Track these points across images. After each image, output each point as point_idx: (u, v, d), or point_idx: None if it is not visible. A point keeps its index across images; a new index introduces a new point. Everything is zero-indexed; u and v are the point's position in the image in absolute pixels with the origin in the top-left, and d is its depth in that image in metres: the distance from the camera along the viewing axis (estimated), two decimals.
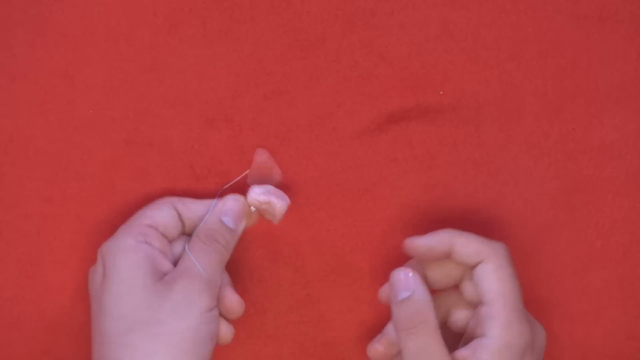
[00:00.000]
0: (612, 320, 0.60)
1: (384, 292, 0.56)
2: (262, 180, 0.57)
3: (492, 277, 0.51)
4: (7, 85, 0.58)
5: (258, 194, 0.56)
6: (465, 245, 0.52)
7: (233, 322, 0.57)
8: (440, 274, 0.54)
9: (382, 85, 0.59)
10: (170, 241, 0.55)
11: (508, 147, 0.59)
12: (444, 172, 0.59)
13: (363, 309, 0.60)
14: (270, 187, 0.57)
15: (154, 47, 0.59)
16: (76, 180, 0.59)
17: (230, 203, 0.56)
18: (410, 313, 0.51)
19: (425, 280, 0.54)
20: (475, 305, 0.53)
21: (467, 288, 0.54)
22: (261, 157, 0.57)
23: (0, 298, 0.59)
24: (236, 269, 0.59)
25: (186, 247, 0.57)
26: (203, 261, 0.53)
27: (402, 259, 0.59)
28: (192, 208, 0.56)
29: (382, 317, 0.59)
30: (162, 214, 0.55)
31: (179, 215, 0.55)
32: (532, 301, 0.59)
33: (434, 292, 0.54)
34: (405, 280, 0.52)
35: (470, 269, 0.52)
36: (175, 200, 0.56)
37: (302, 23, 0.59)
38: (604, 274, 0.60)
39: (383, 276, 0.59)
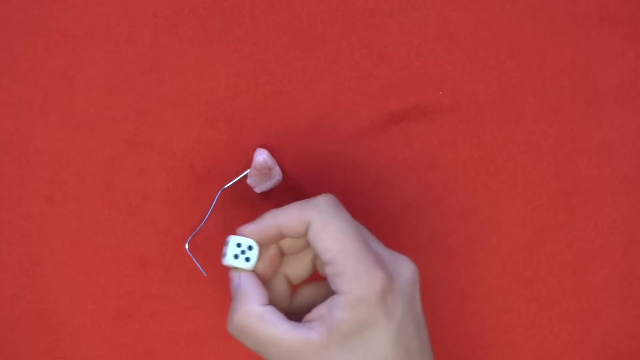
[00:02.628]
0: (611, 320, 0.60)
1: None
2: (262, 180, 0.58)
3: (322, 237, 0.48)
4: (7, 85, 0.59)
5: (266, 156, 0.57)
6: (288, 221, 0.50)
7: None
8: (290, 244, 0.52)
9: (381, 85, 0.59)
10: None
11: (507, 147, 0.60)
12: (444, 172, 0.59)
13: None
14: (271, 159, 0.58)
15: (154, 47, 0.59)
16: (76, 180, 0.59)
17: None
18: (232, 314, 0.50)
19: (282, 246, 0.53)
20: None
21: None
22: (261, 157, 0.57)
23: (0, 298, 0.59)
24: None
25: (186, 246, 0.57)
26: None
27: None
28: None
29: None
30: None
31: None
32: (532, 301, 0.60)
33: None
34: (231, 279, 0.52)
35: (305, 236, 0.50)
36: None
37: (302, 23, 0.59)
38: (603, 273, 0.60)
39: None
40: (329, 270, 0.48)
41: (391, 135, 0.59)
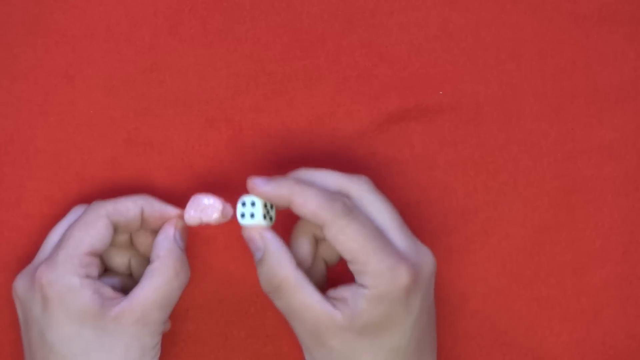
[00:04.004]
0: (611, 320, 0.60)
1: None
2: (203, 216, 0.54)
3: (340, 240, 0.49)
4: (7, 85, 0.59)
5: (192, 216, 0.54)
6: (302, 206, 0.50)
7: (234, 322, 0.58)
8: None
9: (382, 85, 0.59)
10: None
11: (508, 147, 0.60)
12: (444, 172, 0.59)
13: None
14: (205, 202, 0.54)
15: (154, 47, 0.59)
16: (76, 180, 0.59)
17: (182, 224, 0.54)
18: (266, 275, 0.51)
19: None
20: None
21: None
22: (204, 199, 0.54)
23: (0, 298, 0.59)
24: (236, 269, 0.59)
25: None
26: (168, 286, 0.52)
27: None
28: (126, 214, 0.53)
29: None
30: (100, 236, 0.52)
31: (113, 225, 0.53)
32: (532, 301, 0.59)
33: None
34: (255, 239, 0.52)
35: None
36: (109, 208, 0.53)
37: (302, 23, 0.59)
38: (603, 273, 0.60)
39: None
40: (352, 267, 0.50)
41: (391, 135, 0.59)
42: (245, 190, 0.51)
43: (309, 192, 0.50)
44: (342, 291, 0.50)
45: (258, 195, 0.51)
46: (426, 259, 0.51)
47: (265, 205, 0.52)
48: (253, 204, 0.51)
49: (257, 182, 0.51)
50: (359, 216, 0.50)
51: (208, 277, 0.59)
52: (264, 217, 0.51)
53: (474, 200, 0.59)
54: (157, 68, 0.59)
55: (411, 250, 0.51)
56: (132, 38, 0.59)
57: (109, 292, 0.52)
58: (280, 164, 0.59)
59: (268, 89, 0.59)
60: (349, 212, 0.50)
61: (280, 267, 0.50)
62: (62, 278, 0.50)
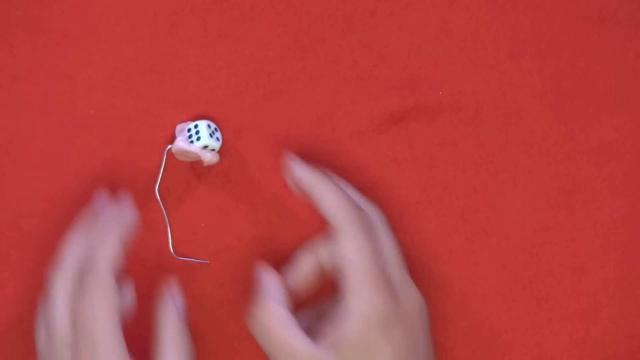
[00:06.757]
0: (611, 320, 0.60)
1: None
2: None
3: (345, 247, 0.49)
4: (7, 85, 0.59)
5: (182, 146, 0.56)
6: (323, 200, 0.51)
7: (234, 322, 0.57)
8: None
9: (381, 85, 0.59)
10: None
11: (507, 147, 0.60)
12: (444, 172, 0.59)
13: None
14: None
15: (154, 47, 0.59)
16: (76, 180, 0.59)
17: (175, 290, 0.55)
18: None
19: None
20: None
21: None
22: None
23: (0, 298, 0.59)
24: (237, 268, 0.59)
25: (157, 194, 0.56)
26: None
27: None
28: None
29: None
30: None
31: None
32: (532, 301, 0.60)
33: None
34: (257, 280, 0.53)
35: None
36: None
37: (302, 23, 0.59)
38: (603, 273, 0.60)
39: None
40: (341, 282, 0.50)
41: (391, 135, 0.59)
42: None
43: (335, 190, 0.51)
44: (324, 327, 0.50)
45: (290, 177, 0.53)
46: (413, 298, 0.52)
47: (209, 126, 0.56)
48: (196, 126, 0.56)
49: (292, 162, 0.53)
50: (371, 233, 0.51)
51: (208, 277, 0.59)
52: (210, 136, 0.56)
53: (474, 200, 0.59)
54: (158, 68, 0.59)
55: (401, 285, 0.51)
56: (132, 38, 0.59)
57: None
58: (280, 164, 0.59)
59: (268, 89, 0.59)
60: (364, 226, 0.51)
61: (269, 301, 0.51)
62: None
